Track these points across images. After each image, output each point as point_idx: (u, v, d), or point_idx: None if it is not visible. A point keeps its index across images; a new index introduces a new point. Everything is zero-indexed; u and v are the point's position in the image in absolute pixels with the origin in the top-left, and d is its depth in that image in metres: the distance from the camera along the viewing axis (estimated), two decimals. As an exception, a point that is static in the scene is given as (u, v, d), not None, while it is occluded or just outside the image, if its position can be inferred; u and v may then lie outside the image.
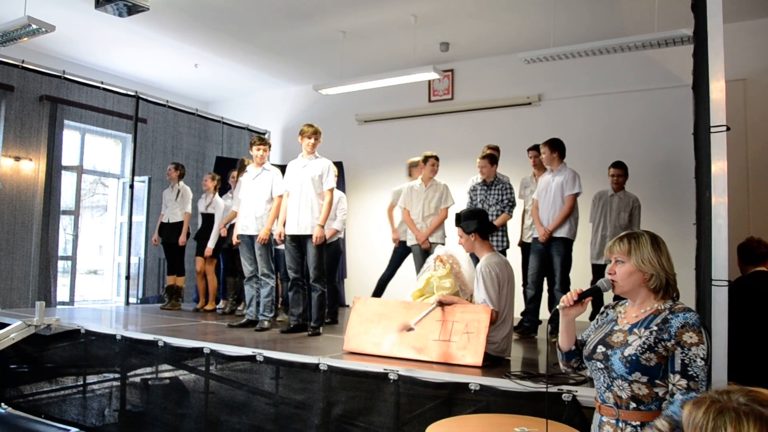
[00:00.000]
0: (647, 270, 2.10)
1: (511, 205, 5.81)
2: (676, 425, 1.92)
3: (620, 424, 2.06)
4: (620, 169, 6.02)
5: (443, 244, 5.92)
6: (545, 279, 5.48)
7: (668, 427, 1.93)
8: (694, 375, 1.93)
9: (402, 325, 4.06)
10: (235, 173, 7.07)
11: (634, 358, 2.02)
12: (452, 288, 4.48)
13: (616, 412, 2.06)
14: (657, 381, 2.00)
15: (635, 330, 2.08)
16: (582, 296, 2.25)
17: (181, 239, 7.33)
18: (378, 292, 6.18)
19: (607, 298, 2.55)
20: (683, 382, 1.94)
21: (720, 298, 2.44)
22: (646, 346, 2.02)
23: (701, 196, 2.62)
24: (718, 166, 2.51)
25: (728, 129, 2.50)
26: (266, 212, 5.72)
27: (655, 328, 2.03)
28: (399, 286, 6.27)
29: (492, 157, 5.88)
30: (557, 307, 2.29)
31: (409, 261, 6.26)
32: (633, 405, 2.03)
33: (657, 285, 2.10)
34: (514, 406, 3.17)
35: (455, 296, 4.23)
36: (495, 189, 5.82)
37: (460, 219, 4.16)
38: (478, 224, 4.07)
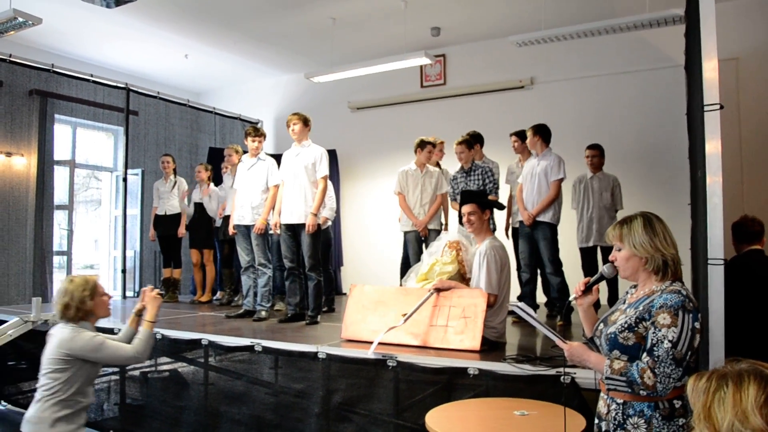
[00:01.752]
0: (641, 254, 2.13)
1: (496, 187, 5.74)
2: (626, 378, 1.99)
3: (608, 400, 2.13)
4: (596, 150, 6.03)
5: (440, 230, 5.90)
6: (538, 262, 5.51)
7: (620, 367, 2.01)
8: (657, 355, 1.95)
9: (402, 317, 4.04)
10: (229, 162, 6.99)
11: (612, 336, 2.09)
12: (453, 272, 4.46)
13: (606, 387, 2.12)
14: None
15: (627, 310, 2.12)
16: (589, 285, 2.31)
17: (180, 231, 7.31)
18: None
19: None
20: (646, 358, 1.98)
21: (716, 277, 2.43)
22: (626, 326, 2.07)
23: (695, 176, 2.61)
24: (712, 145, 2.49)
25: (721, 107, 2.49)
26: (262, 202, 5.71)
27: (641, 308, 2.06)
28: (391, 272, 6.30)
29: (468, 142, 5.76)
30: (570, 299, 2.36)
31: (398, 246, 6.23)
32: None
33: (654, 267, 2.12)
34: (513, 389, 3.18)
35: (453, 281, 4.22)
36: (474, 175, 5.72)
37: (476, 195, 4.12)
38: (491, 202, 4.06)
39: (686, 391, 1.98)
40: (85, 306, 3.00)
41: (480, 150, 6.18)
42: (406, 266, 6.01)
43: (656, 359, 1.95)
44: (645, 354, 2.00)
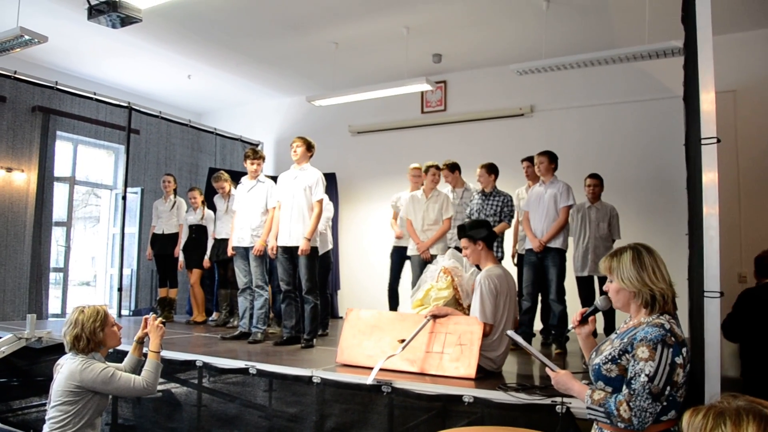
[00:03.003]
0: (629, 288, 2.13)
1: (511, 216, 5.81)
2: (604, 409, 1.99)
3: (597, 430, 2.13)
4: (596, 179, 6.06)
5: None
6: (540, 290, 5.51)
7: (599, 398, 2.02)
8: (634, 389, 1.94)
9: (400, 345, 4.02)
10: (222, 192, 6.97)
11: (596, 367, 2.10)
12: (448, 297, 4.45)
13: None
14: None
15: (615, 340, 2.12)
16: (585, 317, 2.35)
17: (177, 250, 7.30)
18: (392, 301, 6.28)
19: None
20: (624, 391, 1.98)
21: (712, 310, 2.42)
22: (610, 357, 2.06)
23: (693, 207, 2.62)
24: (709, 178, 2.51)
25: (719, 141, 2.50)
26: (261, 224, 5.70)
27: (626, 340, 2.06)
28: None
29: (490, 166, 5.88)
30: (569, 328, 2.39)
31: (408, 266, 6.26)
32: None
33: (642, 301, 2.11)
34: (509, 418, 3.16)
35: (449, 307, 4.21)
36: (494, 200, 5.79)
37: (466, 229, 4.14)
38: (486, 233, 4.05)
39: (674, 427, 1.98)
40: (96, 337, 2.98)
41: (459, 177, 6.35)
42: (393, 290, 6.29)
43: (633, 393, 1.94)
44: (624, 386, 1.99)
